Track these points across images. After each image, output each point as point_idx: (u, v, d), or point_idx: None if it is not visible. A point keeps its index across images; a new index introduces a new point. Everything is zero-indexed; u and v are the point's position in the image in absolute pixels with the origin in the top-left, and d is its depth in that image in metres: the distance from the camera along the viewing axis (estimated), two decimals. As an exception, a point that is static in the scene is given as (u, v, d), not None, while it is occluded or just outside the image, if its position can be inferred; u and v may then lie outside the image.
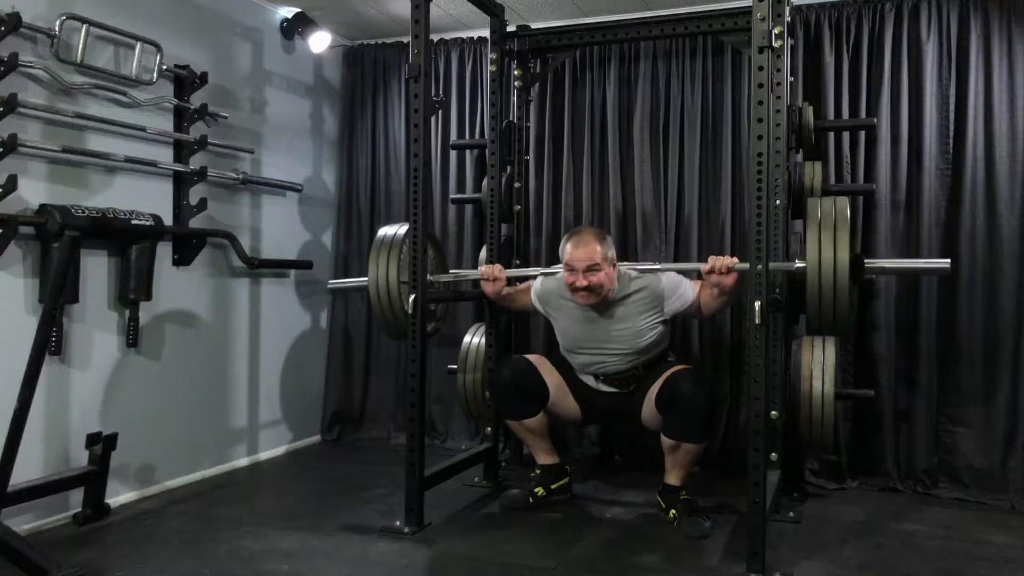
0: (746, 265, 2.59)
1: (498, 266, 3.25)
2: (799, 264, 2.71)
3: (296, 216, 4.21)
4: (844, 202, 2.76)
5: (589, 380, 3.20)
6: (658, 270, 3.09)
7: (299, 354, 4.24)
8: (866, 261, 2.78)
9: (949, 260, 2.87)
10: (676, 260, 3.74)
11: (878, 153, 3.51)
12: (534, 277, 3.34)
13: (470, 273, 3.57)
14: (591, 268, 2.93)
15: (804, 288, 3.16)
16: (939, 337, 3.44)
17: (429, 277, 3.03)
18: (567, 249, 3.00)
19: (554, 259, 3.46)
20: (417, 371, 2.92)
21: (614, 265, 3.02)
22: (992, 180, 3.35)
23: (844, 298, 2.63)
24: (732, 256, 2.80)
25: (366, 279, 3.22)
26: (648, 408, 3.05)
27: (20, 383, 2.36)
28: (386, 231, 3.24)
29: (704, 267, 2.79)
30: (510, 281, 3.27)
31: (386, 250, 3.15)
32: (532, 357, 3.27)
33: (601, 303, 3.03)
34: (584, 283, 2.94)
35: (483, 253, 3.72)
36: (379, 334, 4.41)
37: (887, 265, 3.10)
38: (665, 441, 2.95)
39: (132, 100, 3.18)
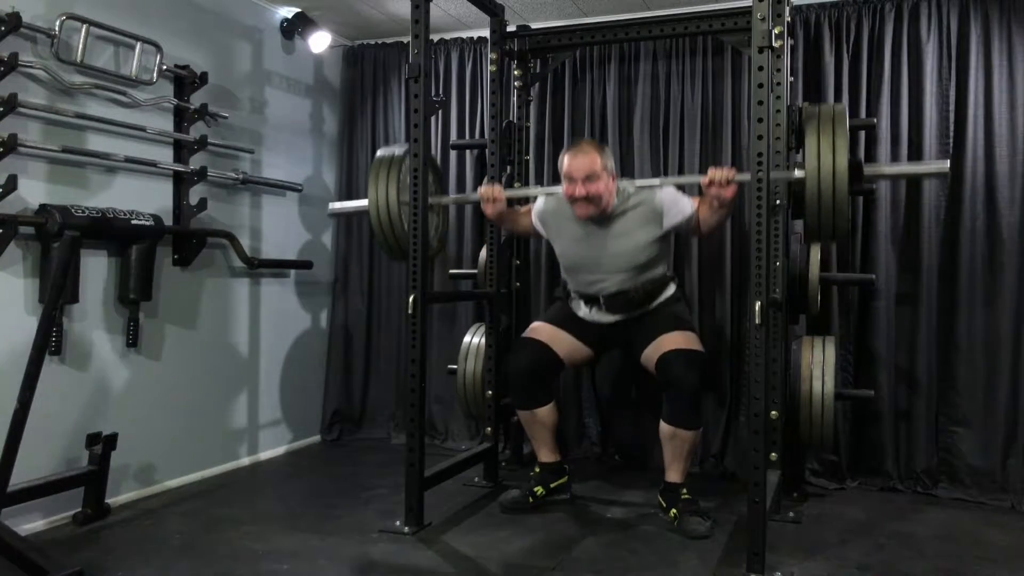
0: (746, 176, 2.59)
1: (498, 187, 3.20)
2: (799, 173, 2.68)
3: (296, 216, 4.21)
4: (842, 107, 2.74)
5: (593, 312, 3.14)
6: (658, 185, 3.05)
7: (299, 354, 4.24)
8: (865, 166, 2.74)
9: (948, 162, 2.83)
10: (676, 260, 3.74)
11: (878, 153, 3.51)
12: (534, 199, 3.32)
13: (470, 196, 3.56)
14: (589, 177, 2.92)
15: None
16: (939, 337, 3.44)
17: (430, 200, 3.04)
18: (565, 159, 2.99)
19: (554, 259, 3.46)
20: (417, 371, 2.92)
21: (613, 177, 3.00)
22: (992, 180, 3.35)
23: (843, 204, 2.59)
24: (732, 168, 2.78)
25: (366, 202, 3.17)
26: (647, 361, 3.04)
27: (20, 383, 2.36)
28: (384, 152, 3.21)
29: (704, 179, 2.78)
30: (510, 203, 3.24)
31: (385, 170, 3.12)
32: (537, 329, 3.21)
33: (600, 216, 3.01)
34: (583, 192, 2.92)
35: (483, 253, 3.72)
36: (379, 334, 4.41)
37: (886, 171, 3.09)
38: (663, 428, 2.96)
39: (132, 100, 3.18)
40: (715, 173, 2.73)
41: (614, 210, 3.02)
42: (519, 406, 3.24)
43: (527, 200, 3.40)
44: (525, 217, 3.30)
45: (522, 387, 3.17)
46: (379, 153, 3.24)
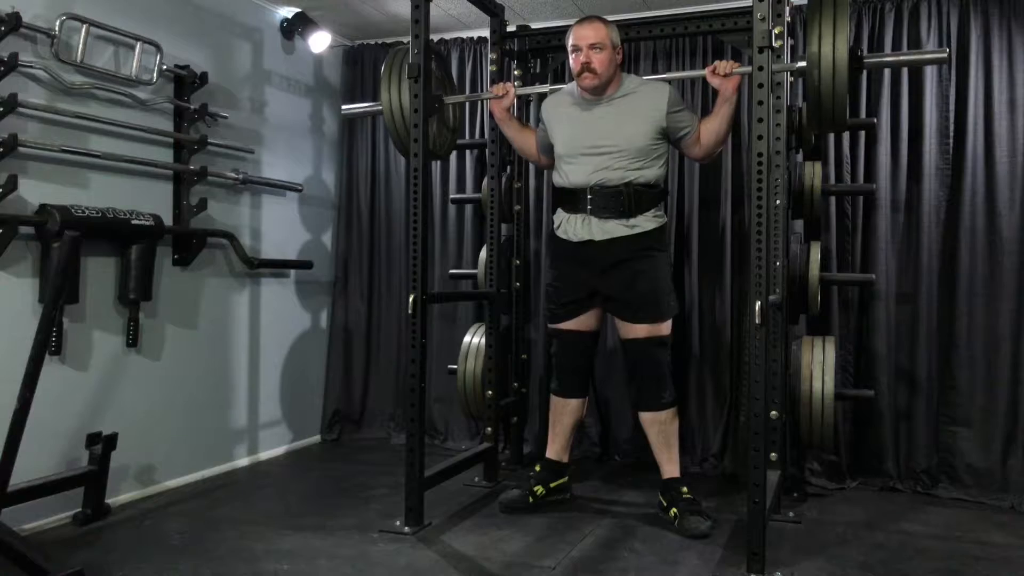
0: (747, 69, 2.64)
1: (510, 83, 3.26)
2: (800, 64, 2.66)
3: (296, 216, 4.21)
4: None
5: (580, 226, 3.05)
6: (663, 78, 3.12)
7: (299, 354, 4.24)
8: (864, 55, 2.72)
9: (947, 50, 2.81)
10: (676, 259, 3.74)
11: (878, 153, 3.51)
12: (543, 96, 3.34)
13: (481, 95, 3.70)
14: (595, 46, 2.95)
15: (804, 288, 3.18)
16: (939, 337, 3.44)
17: (445, 98, 3.12)
18: (573, 29, 3.03)
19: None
20: (417, 371, 2.92)
21: (619, 52, 3.04)
22: (992, 180, 3.35)
23: (843, 91, 2.57)
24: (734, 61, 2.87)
25: (379, 103, 3.16)
26: (622, 332, 3.09)
27: (20, 383, 2.36)
28: (396, 51, 3.18)
29: (708, 69, 2.88)
30: (520, 123, 3.36)
31: (397, 70, 3.09)
32: (563, 324, 3.19)
33: (603, 94, 3.03)
34: (588, 59, 2.95)
35: (483, 253, 3.72)
36: (379, 334, 4.41)
37: (886, 59, 3.10)
38: (640, 419, 3.08)
39: (132, 100, 3.18)
40: (719, 63, 2.85)
41: (618, 92, 3.05)
42: (558, 392, 3.24)
43: (531, 124, 3.39)
44: (529, 133, 3.33)
45: (567, 373, 3.21)
46: (391, 53, 3.18)
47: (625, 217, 3.02)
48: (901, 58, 3.14)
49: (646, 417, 3.07)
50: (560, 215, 3.17)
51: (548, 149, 3.23)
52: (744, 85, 3.66)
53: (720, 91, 2.91)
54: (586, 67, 2.97)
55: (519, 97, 3.81)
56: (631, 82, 3.09)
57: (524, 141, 3.33)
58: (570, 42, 3.02)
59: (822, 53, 2.53)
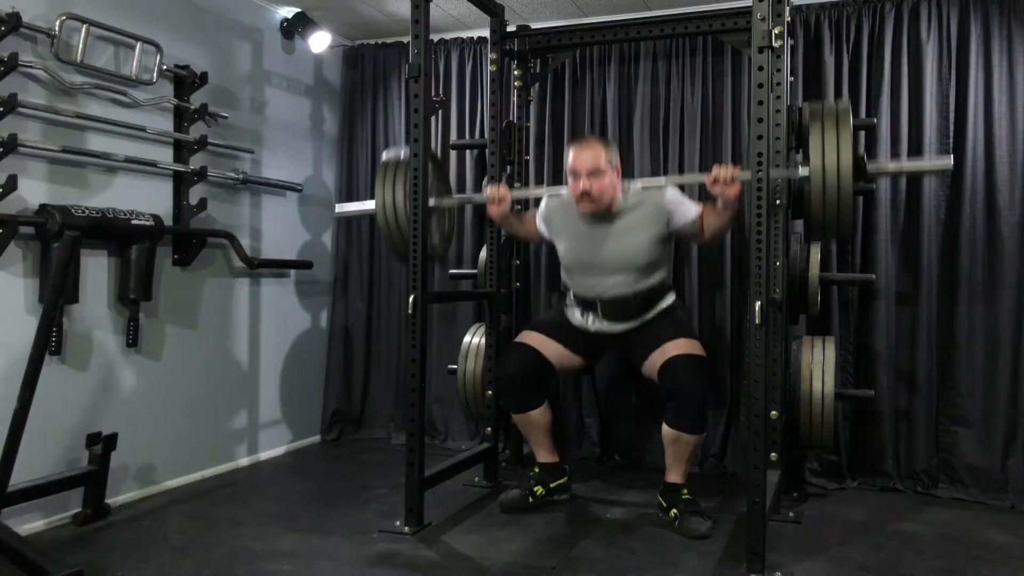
0: (748, 174, 2.58)
1: (504, 187, 3.21)
2: (803, 171, 2.68)
3: (296, 216, 4.21)
4: (846, 103, 2.75)
5: (589, 320, 3.13)
6: (663, 185, 3.05)
7: (299, 354, 4.24)
8: (868, 163, 2.74)
9: (951, 157, 2.83)
10: (676, 260, 3.73)
11: (878, 153, 3.50)
12: (539, 200, 3.32)
13: (475, 196, 3.57)
14: (594, 172, 2.92)
15: (804, 288, 3.18)
16: (939, 337, 3.44)
17: (432, 202, 3.03)
18: (571, 154, 2.98)
19: (555, 259, 3.45)
20: (417, 371, 2.92)
21: (618, 173, 3.00)
22: (992, 180, 3.35)
23: (848, 201, 2.59)
24: (735, 166, 2.77)
25: (372, 204, 3.18)
26: (649, 368, 3.03)
27: (20, 383, 2.36)
28: (389, 154, 3.20)
29: (708, 177, 2.77)
30: (515, 204, 3.25)
31: (392, 172, 3.11)
32: (528, 336, 3.21)
33: (605, 214, 3.01)
34: (588, 187, 2.92)
35: (483, 253, 3.72)
36: (379, 334, 4.41)
37: (889, 167, 3.10)
38: (666, 431, 2.94)
39: (132, 100, 3.18)
40: (719, 171, 2.73)
41: (618, 208, 3.02)
42: (511, 409, 3.25)
43: (528, 207, 3.38)
44: (530, 221, 3.31)
45: (511, 391, 3.18)
46: (385, 155, 3.23)
47: (637, 318, 3.08)
48: (904, 167, 3.18)
49: (674, 434, 2.92)
50: (571, 301, 3.20)
51: (551, 240, 3.27)
52: (744, 85, 3.68)
53: (723, 200, 2.80)
54: (585, 195, 2.94)
55: (519, 92, 3.83)
56: (631, 195, 3.04)
57: (526, 231, 3.35)
58: (568, 163, 2.99)
59: (826, 162, 2.57)
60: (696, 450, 3.03)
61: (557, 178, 4.02)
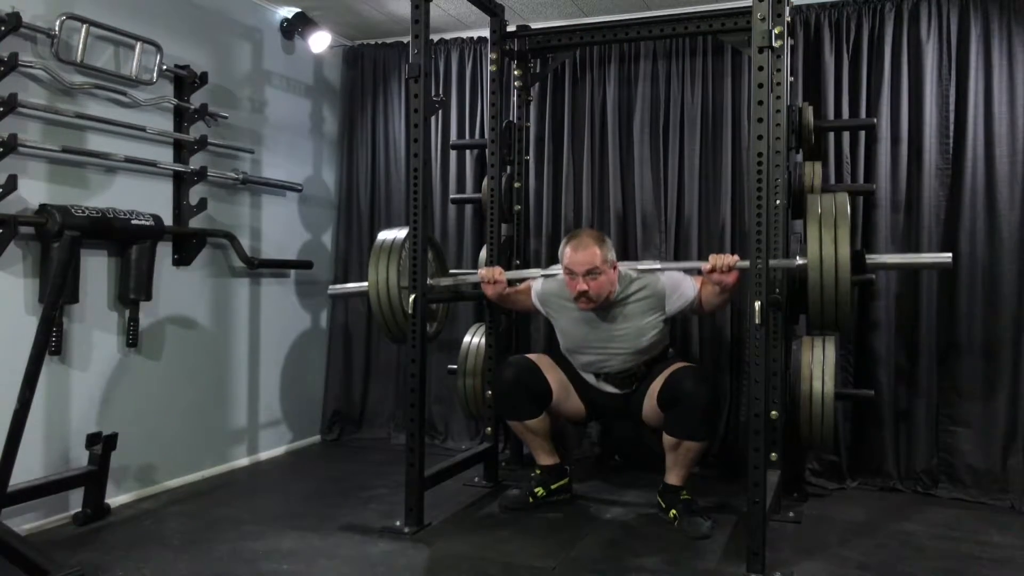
0: (747, 263, 2.58)
1: (498, 269, 3.21)
2: (800, 261, 2.71)
3: (296, 216, 4.21)
4: (844, 197, 2.77)
5: (590, 379, 3.20)
6: (659, 269, 3.07)
7: (299, 354, 4.24)
8: (867, 257, 2.77)
9: (951, 255, 2.87)
10: (676, 260, 3.74)
11: (878, 153, 3.51)
12: (534, 279, 3.32)
13: (469, 276, 3.50)
14: (591, 272, 2.92)
15: (804, 287, 3.17)
16: (939, 337, 3.44)
17: (428, 281, 3.02)
18: (566, 253, 2.98)
19: (554, 259, 3.46)
20: (417, 371, 2.92)
21: (614, 267, 3.00)
22: (992, 180, 3.35)
23: (846, 294, 2.63)
24: (733, 255, 2.79)
25: (366, 284, 3.20)
26: (649, 405, 3.04)
27: (20, 383, 2.36)
28: (385, 236, 3.23)
29: (705, 266, 2.77)
30: (510, 283, 3.24)
31: (386, 255, 3.14)
32: (534, 356, 3.26)
33: (602, 305, 3.02)
34: (584, 288, 2.93)
35: (483, 253, 3.72)
36: (379, 334, 4.40)
37: (888, 261, 3.10)
38: (667, 439, 2.94)
39: (132, 100, 3.18)
40: (716, 260, 2.74)
41: (616, 297, 3.03)
42: (506, 417, 3.27)
43: (526, 279, 3.37)
44: (525, 296, 3.30)
45: (508, 399, 3.18)
46: (380, 237, 3.24)
47: (637, 383, 3.13)
48: (904, 261, 3.20)
49: (677, 442, 2.93)
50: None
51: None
52: (744, 85, 3.68)
53: (720, 286, 2.82)
54: (583, 295, 2.95)
55: (518, 92, 3.83)
56: (628, 280, 3.04)
57: (523, 306, 3.35)
58: (564, 261, 2.99)
59: (824, 255, 2.60)
60: (698, 456, 3.03)
61: (557, 179, 4.03)
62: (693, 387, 2.87)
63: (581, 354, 3.16)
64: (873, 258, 2.85)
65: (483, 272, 3.20)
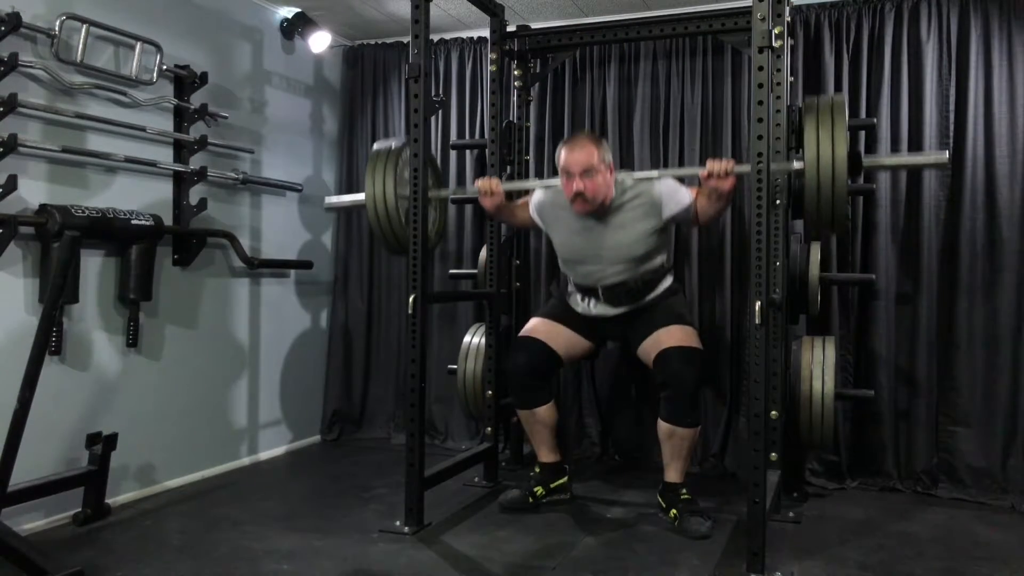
0: (745, 167, 2.56)
1: (495, 179, 3.16)
2: (798, 164, 2.67)
3: (296, 216, 4.21)
4: (841, 97, 2.73)
5: (591, 305, 3.13)
6: (656, 177, 3.03)
7: (299, 354, 4.24)
8: (864, 157, 2.74)
9: (947, 153, 2.84)
10: (675, 259, 3.74)
11: (878, 152, 3.50)
12: (531, 191, 3.29)
13: (468, 190, 3.50)
14: (587, 172, 2.88)
15: (804, 288, 3.18)
16: (939, 337, 3.44)
17: (433, 192, 3.02)
18: (562, 154, 2.95)
19: (554, 259, 3.45)
20: (417, 371, 2.92)
21: (611, 170, 2.97)
22: (992, 180, 3.35)
23: (842, 195, 2.59)
24: (730, 160, 2.76)
25: (363, 196, 3.16)
26: (644, 355, 3.05)
27: (20, 383, 2.36)
28: (381, 145, 3.18)
29: (703, 172, 2.75)
30: (508, 196, 3.22)
31: (382, 164, 3.10)
32: (534, 327, 3.20)
33: (598, 210, 2.99)
34: (580, 187, 2.90)
35: (483, 253, 3.72)
36: (379, 334, 4.41)
37: (885, 161, 3.09)
38: (661, 427, 2.96)
39: (132, 100, 3.18)
40: (713, 165, 2.71)
41: (612, 203, 3.01)
42: (519, 405, 3.24)
43: (524, 192, 3.37)
44: (522, 210, 3.28)
45: (522, 386, 3.16)
46: (376, 146, 3.21)
47: (638, 300, 3.09)
48: (900, 161, 3.19)
49: (669, 428, 2.94)
50: (571, 288, 3.20)
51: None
52: (744, 85, 3.68)
53: (717, 192, 2.79)
54: (579, 195, 2.92)
55: (518, 92, 3.83)
56: (625, 189, 3.02)
57: (520, 221, 3.34)
58: (560, 162, 2.96)
59: (821, 155, 2.56)
60: (692, 446, 3.03)
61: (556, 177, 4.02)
62: (679, 370, 2.89)
63: (579, 264, 3.11)
64: (870, 158, 2.80)
65: (480, 183, 3.13)
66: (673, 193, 3.00)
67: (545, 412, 3.17)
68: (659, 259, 3.09)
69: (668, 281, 3.16)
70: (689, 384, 2.89)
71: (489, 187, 3.10)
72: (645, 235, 3.01)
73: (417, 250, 2.91)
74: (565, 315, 3.21)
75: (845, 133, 2.60)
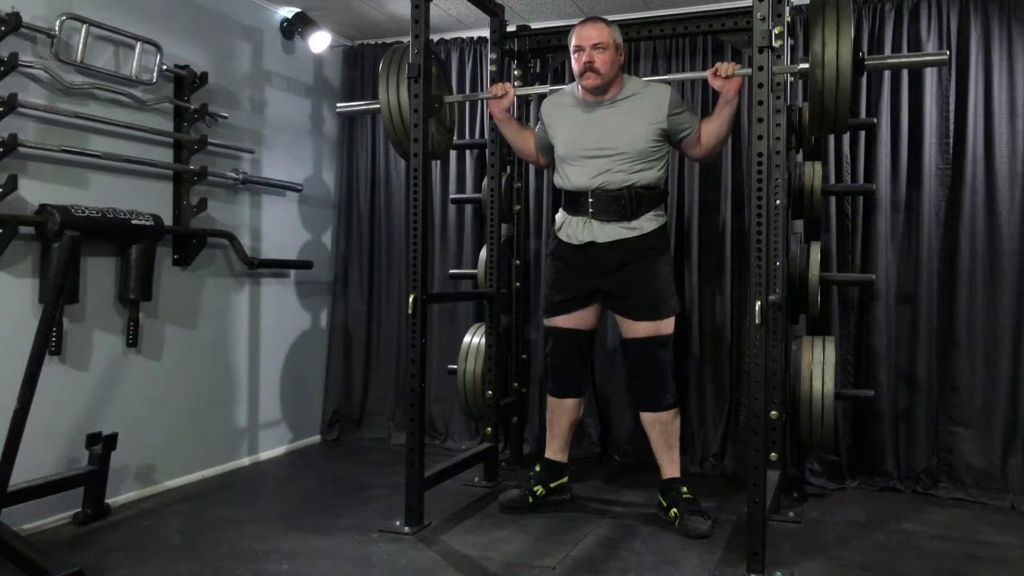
0: (749, 71, 2.59)
1: (508, 84, 3.22)
2: (803, 66, 2.65)
3: (296, 216, 4.21)
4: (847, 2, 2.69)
5: (582, 230, 3.05)
6: (667, 80, 3.11)
7: (299, 354, 4.24)
8: (866, 58, 2.72)
9: (947, 52, 2.86)
10: (676, 259, 3.73)
11: (878, 153, 3.51)
12: (543, 96, 3.33)
13: (480, 94, 3.62)
14: (598, 46, 2.94)
15: (804, 288, 3.18)
16: (939, 337, 3.44)
17: (445, 97, 3.08)
18: (576, 30, 3.02)
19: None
20: (417, 371, 2.92)
21: (622, 54, 3.04)
22: (992, 180, 3.36)
23: (846, 93, 2.58)
24: (735, 63, 2.88)
25: (377, 102, 3.14)
26: (620, 325, 3.09)
27: (20, 383, 2.36)
28: (394, 49, 3.16)
29: (709, 71, 2.88)
30: (519, 123, 3.35)
31: (395, 70, 3.07)
32: (556, 321, 3.19)
33: (605, 92, 3.02)
34: (591, 59, 2.94)
35: (483, 253, 3.72)
36: (379, 334, 4.41)
37: (888, 60, 3.14)
38: (642, 419, 3.06)
39: (132, 100, 3.18)
40: (720, 64, 2.85)
41: (620, 94, 3.04)
42: (554, 392, 3.24)
43: (531, 124, 3.37)
44: (528, 132, 3.33)
45: (563, 370, 3.20)
46: (389, 52, 3.15)
47: (627, 220, 3.02)
48: (902, 60, 3.20)
49: (647, 417, 3.06)
50: (562, 216, 3.17)
51: (547, 149, 3.23)
52: (744, 85, 3.67)
53: (721, 93, 2.92)
54: (589, 66, 2.96)
55: (518, 96, 3.82)
56: (633, 84, 3.08)
57: (523, 142, 3.33)
58: (572, 42, 3.01)
59: (826, 55, 2.53)
60: (678, 432, 3.08)
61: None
62: (640, 358, 3.02)
63: (576, 162, 3.06)
64: (872, 58, 2.81)
65: (495, 86, 3.22)
66: (679, 103, 3.06)
67: (574, 405, 3.22)
68: (654, 172, 3.04)
69: (659, 215, 3.07)
70: (654, 368, 2.98)
71: (502, 89, 3.17)
72: (647, 130, 3.00)
73: (417, 250, 2.91)
74: (568, 294, 3.13)
75: (851, 32, 2.56)
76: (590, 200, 3.04)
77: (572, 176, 3.09)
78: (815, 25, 2.57)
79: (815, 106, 2.63)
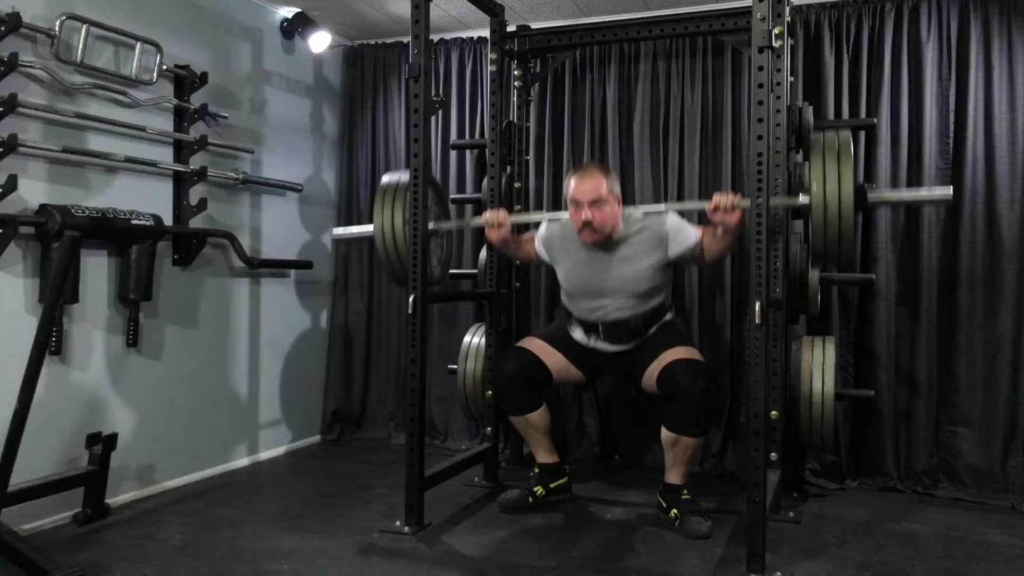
0: (747, 203, 2.56)
1: (503, 211, 3.17)
2: (803, 199, 2.69)
3: (296, 216, 4.21)
4: (847, 134, 2.76)
5: (591, 339, 3.13)
6: (663, 211, 3.06)
7: (299, 354, 4.24)
8: (869, 192, 2.75)
9: (951, 188, 2.86)
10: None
11: (878, 153, 3.51)
12: (538, 224, 3.31)
13: (474, 220, 3.49)
14: (596, 202, 2.92)
15: (804, 288, 3.18)
16: (939, 337, 3.44)
17: (431, 225, 3.01)
18: (571, 184, 2.98)
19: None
20: (417, 371, 2.92)
21: (619, 202, 3.01)
22: (992, 180, 3.35)
23: (849, 229, 2.61)
24: (736, 193, 2.75)
25: (371, 227, 3.16)
26: (648, 380, 3.03)
27: (20, 383, 2.36)
28: (389, 178, 3.19)
29: (709, 205, 2.74)
30: (514, 229, 3.22)
31: (391, 196, 3.10)
32: (529, 342, 3.23)
33: (605, 241, 3.01)
34: (589, 217, 2.92)
35: (483, 253, 3.72)
36: (379, 334, 4.42)
37: (890, 196, 3.11)
38: (665, 435, 2.94)
39: (132, 100, 3.18)
40: (720, 199, 2.70)
41: (619, 235, 3.03)
42: (508, 412, 3.25)
43: (528, 227, 3.36)
44: (528, 244, 3.30)
45: (510, 393, 3.17)
46: (384, 179, 3.21)
47: (637, 338, 3.09)
48: (905, 196, 3.22)
49: (674, 438, 2.91)
50: (573, 321, 3.19)
51: (549, 264, 3.28)
52: (744, 85, 3.68)
53: (723, 227, 2.79)
54: (587, 225, 2.94)
55: (518, 92, 3.83)
56: (631, 222, 3.04)
57: (525, 254, 3.34)
58: (569, 193, 2.98)
59: (827, 191, 2.58)
60: (696, 452, 3.03)
61: (557, 179, 4.02)
62: (688, 382, 2.85)
63: (582, 299, 3.11)
64: (875, 195, 2.81)
65: (488, 215, 3.14)
66: (680, 229, 3.02)
67: (536, 417, 3.16)
68: (660, 297, 3.10)
69: (668, 316, 3.17)
70: (697, 394, 2.85)
71: (497, 219, 3.10)
72: (650, 270, 3.02)
73: (417, 250, 2.91)
74: (562, 341, 3.20)
75: (851, 170, 2.62)
76: (600, 328, 3.10)
77: (578, 311, 3.15)
78: (816, 162, 2.62)
79: (818, 239, 2.66)
